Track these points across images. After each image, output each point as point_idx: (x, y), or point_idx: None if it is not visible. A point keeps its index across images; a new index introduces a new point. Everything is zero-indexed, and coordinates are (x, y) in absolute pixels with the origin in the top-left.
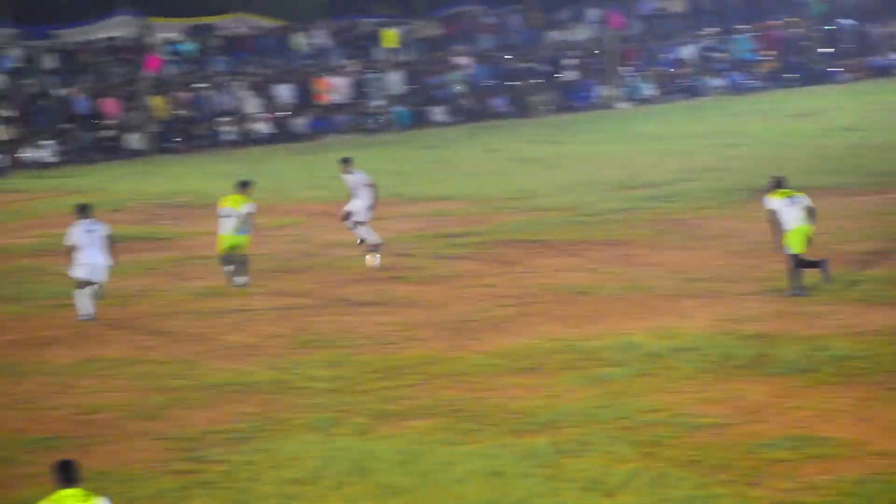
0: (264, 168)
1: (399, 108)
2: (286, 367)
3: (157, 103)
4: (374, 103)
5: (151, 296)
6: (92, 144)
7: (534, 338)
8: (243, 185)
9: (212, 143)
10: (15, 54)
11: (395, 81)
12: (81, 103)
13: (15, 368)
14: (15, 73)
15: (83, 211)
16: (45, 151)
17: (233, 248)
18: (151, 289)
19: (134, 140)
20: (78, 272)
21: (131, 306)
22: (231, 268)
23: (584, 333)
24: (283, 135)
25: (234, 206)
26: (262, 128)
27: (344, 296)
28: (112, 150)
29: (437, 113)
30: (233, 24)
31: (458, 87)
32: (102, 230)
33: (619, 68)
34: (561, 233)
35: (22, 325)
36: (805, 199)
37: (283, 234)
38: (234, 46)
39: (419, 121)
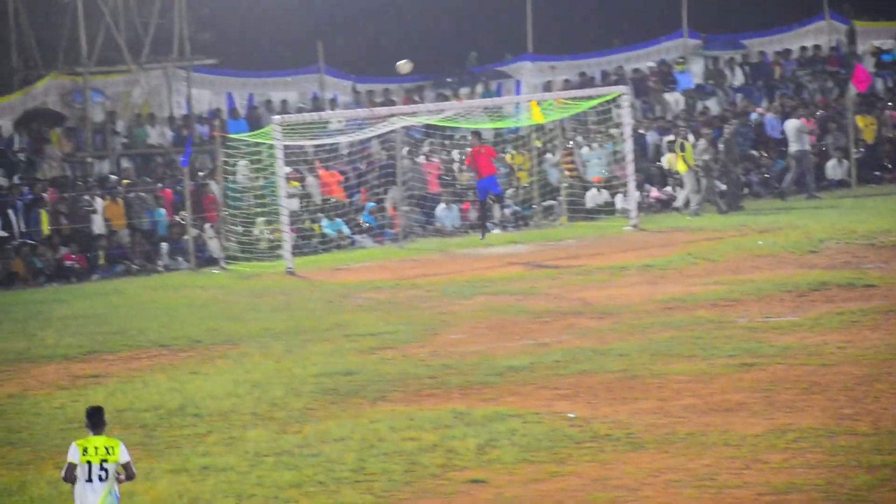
0: None
1: None
2: None
3: (863, 124)
4: None
5: (851, 354)
6: (779, 173)
7: None
8: None
9: None
10: (697, 69)
11: None
12: (772, 124)
13: (697, 439)
14: (697, 91)
15: None
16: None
17: None
18: (851, 345)
19: (833, 168)
20: None
21: (824, 366)
22: None
23: None
24: None
25: None
26: None
27: None
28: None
29: None
30: None
31: None
32: None
33: None
34: None
35: (703, 388)
36: None
37: None
38: None
39: None
